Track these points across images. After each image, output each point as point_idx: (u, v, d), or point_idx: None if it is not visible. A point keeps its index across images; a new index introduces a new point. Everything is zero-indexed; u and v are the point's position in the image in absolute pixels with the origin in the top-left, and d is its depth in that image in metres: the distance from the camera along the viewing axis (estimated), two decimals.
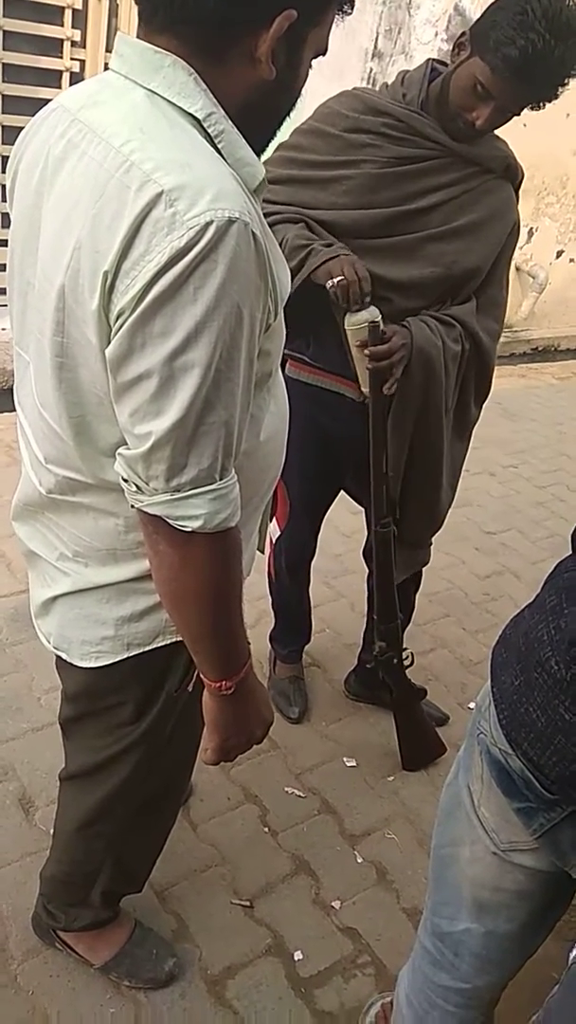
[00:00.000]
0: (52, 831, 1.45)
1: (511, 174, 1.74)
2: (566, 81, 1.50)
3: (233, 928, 1.66)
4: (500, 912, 1.09)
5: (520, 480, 3.99)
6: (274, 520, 2.03)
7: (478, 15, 1.52)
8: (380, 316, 1.59)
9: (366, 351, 1.60)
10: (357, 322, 1.57)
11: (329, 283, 1.53)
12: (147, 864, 1.50)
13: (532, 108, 1.56)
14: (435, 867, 1.17)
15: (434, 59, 1.71)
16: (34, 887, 1.53)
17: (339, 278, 1.52)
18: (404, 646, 1.99)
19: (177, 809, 1.54)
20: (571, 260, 5.89)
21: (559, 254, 5.80)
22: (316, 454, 1.90)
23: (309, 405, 1.76)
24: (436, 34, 4.11)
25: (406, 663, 2.00)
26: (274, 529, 2.08)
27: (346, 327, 1.59)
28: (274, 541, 2.12)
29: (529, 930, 1.11)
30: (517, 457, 4.23)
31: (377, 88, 1.75)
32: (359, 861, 1.86)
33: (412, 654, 2.03)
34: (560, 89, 1.51)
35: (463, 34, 1.56)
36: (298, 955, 1.64)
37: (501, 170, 1.71)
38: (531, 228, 5.42)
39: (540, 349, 5.88)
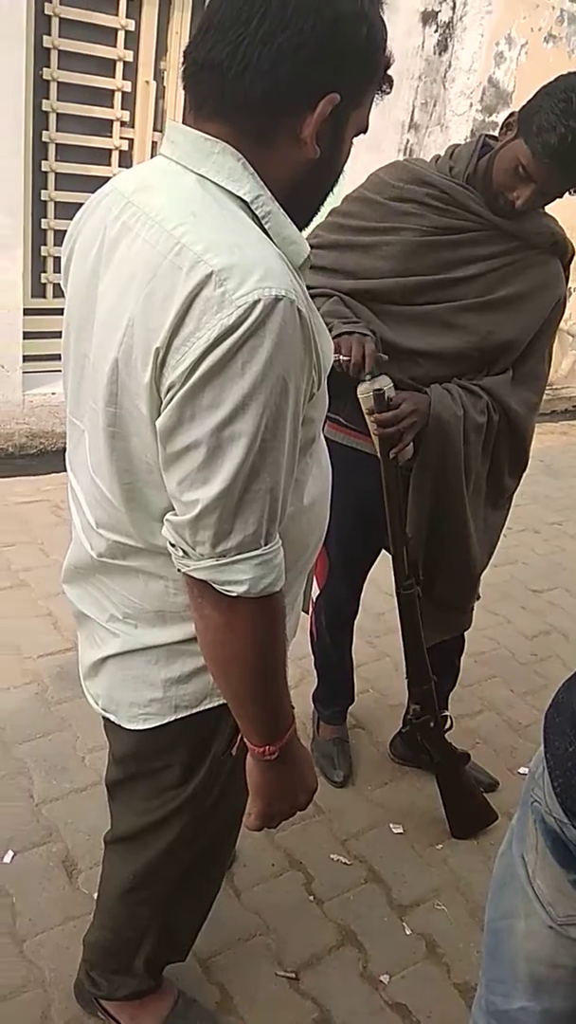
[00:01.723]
0: (96, 895, 1.44)
1: (559, 249, 1.76)
2: None
3: (278, 1001, 1.62)
4: (558, 989, 1.04)
5: (565, 537, 3.94)
6: (314, 579, 2.02)
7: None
8: (390, 384, 1.64)
9: (372, 418, 1.64)
10: (364, 391, 1.64)
11: (332, 357, 1.59)
12: (192, 931, 1.47)
13: (572, 193, 1.59)
14: (489, 941, 1.13)
15: (487, 134, 1.75)
16: (77, 953, 1.51)
17: (344, 358, 1.58)
18: (446, 709, 1.94)
19: (222, 875, 1.51)
20: None
21: None
22: (353, 514, 1.90)
23: (345, 465, 1.76)
24: (471, 105, 4.23)
25: (445, 727, 1.96)
26: (314, 588, 2.07)
27: (357, 394, 1.65)
28: (314, 601, 2.11)
29: None
30: (561, 514, 4.19)
31: (428, 159, 1.80)
32: (408, 933, 1.80)
33: (451, 717, 1.99)
34: None
35: (512, 114, 1.61)
36: None
37: (547, 245, 1.73)
38: (570, 288, 5.46)
39: None
